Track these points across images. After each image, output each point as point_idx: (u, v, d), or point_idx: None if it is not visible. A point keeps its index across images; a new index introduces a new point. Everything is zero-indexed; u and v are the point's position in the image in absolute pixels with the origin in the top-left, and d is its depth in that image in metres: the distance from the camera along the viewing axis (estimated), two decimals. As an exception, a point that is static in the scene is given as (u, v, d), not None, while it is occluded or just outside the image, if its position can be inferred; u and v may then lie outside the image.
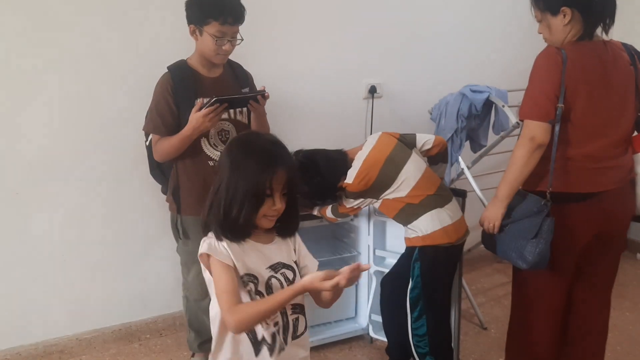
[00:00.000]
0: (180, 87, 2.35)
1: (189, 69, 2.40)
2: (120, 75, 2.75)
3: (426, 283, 2.42)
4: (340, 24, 3.22)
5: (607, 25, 2.10)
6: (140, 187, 2.86)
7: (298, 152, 2.45)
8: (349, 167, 2.45)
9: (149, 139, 2.49)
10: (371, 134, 3.32)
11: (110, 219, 2.90)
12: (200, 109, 2.25)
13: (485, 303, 3.44)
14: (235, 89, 2.45)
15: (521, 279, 2.32)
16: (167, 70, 2.39)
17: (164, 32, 2.76)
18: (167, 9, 2.71)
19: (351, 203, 2.52)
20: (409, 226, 2.45)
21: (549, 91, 2.04)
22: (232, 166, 1.53)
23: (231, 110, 2.43)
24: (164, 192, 2.64)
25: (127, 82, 2.76)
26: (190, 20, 2.31)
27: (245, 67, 2.59)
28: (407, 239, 2.49)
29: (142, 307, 3.08)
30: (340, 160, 2.49)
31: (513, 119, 2.90)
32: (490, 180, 3.22)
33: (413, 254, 2.44)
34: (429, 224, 2.40)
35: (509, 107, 2.99)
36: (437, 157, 2.64)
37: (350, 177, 2.42)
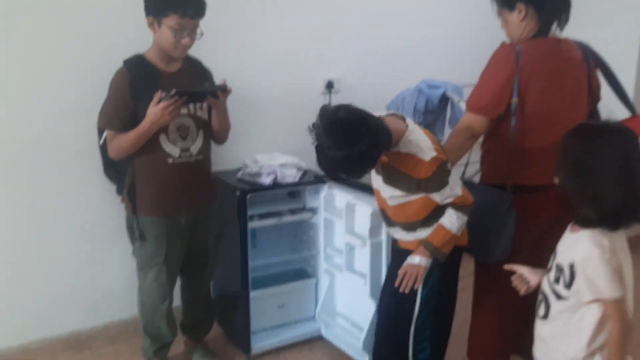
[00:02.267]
0: (137, 82, 2.26)
1: (146, 63, 2.31)
2: (69, 67, 2.62)
3: (442, 288, 2.17)
4: (297, 17, 3.17)
5: (562, 21, 2.18)
6: (92, 187, 2.73)
7: (339, 107, 1.87)
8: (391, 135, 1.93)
9: (103, 138, 2.38)
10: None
11: (58, 220, 2.75)
12: (159, 102, 2.17)
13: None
14: (194, 84, 2.38)
15: (486, 275, 2.33)
16: (122, 65, 2.29)
17: (121, 24, 2.65)
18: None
19: (456, 182, 2.02)
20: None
21: (495, 88, 2.14)
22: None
23: (191, 105, 2.35)
24: (119, 192, 2.52)
25: (76, 75, 2.63)
26: (149, 11, 2.23)
27: (201, 61, 2.51)
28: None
29: (93, 313, 2.93)
30: (382, 126, 1.90)
31: (469, 114, 2.92)
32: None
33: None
34: None
35: (465, 102, 3.01)
36: None
37: (428, 148, 1.95)
